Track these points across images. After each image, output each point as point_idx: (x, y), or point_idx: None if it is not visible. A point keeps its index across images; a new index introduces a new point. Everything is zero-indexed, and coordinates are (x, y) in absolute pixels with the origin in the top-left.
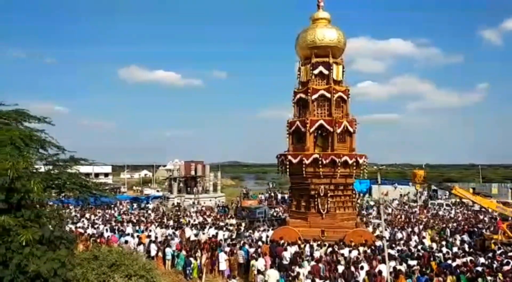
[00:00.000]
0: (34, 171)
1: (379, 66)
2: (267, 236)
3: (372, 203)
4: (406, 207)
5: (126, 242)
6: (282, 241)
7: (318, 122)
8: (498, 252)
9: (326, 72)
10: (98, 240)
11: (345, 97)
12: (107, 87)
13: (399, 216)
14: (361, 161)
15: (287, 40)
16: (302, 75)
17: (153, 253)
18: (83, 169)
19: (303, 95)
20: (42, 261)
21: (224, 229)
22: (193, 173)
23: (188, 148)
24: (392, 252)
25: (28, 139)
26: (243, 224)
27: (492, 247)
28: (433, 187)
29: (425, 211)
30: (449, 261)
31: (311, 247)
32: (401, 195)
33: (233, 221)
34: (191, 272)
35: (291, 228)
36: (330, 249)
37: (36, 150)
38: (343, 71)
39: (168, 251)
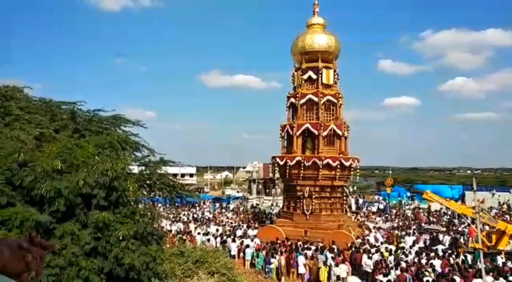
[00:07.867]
0: (129, 171)
1: (475, 60)
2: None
3: None
4: (507, 216)
5: (209, 240)
6: (359, 248)
7: (304, 126)
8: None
9: (314, 76)
10: (184, 237)
11: (335, 100)
12: (191, 93)
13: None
14: (347, 164)
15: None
16: (294, 80)
17: (233, 252)
18: (171, 170)
19: (293, 100)
20: (136, 255)
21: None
22: (271, 175)
23: (266, 150)
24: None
25: (124, 143)
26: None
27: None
28: None
29: None
30: None
31: (397, 255)
32: (499, 203)
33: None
34: (271, 271)
35: (276, 227)
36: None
37: (130, 152)
38: (334, 75)
39: (248, 251)
